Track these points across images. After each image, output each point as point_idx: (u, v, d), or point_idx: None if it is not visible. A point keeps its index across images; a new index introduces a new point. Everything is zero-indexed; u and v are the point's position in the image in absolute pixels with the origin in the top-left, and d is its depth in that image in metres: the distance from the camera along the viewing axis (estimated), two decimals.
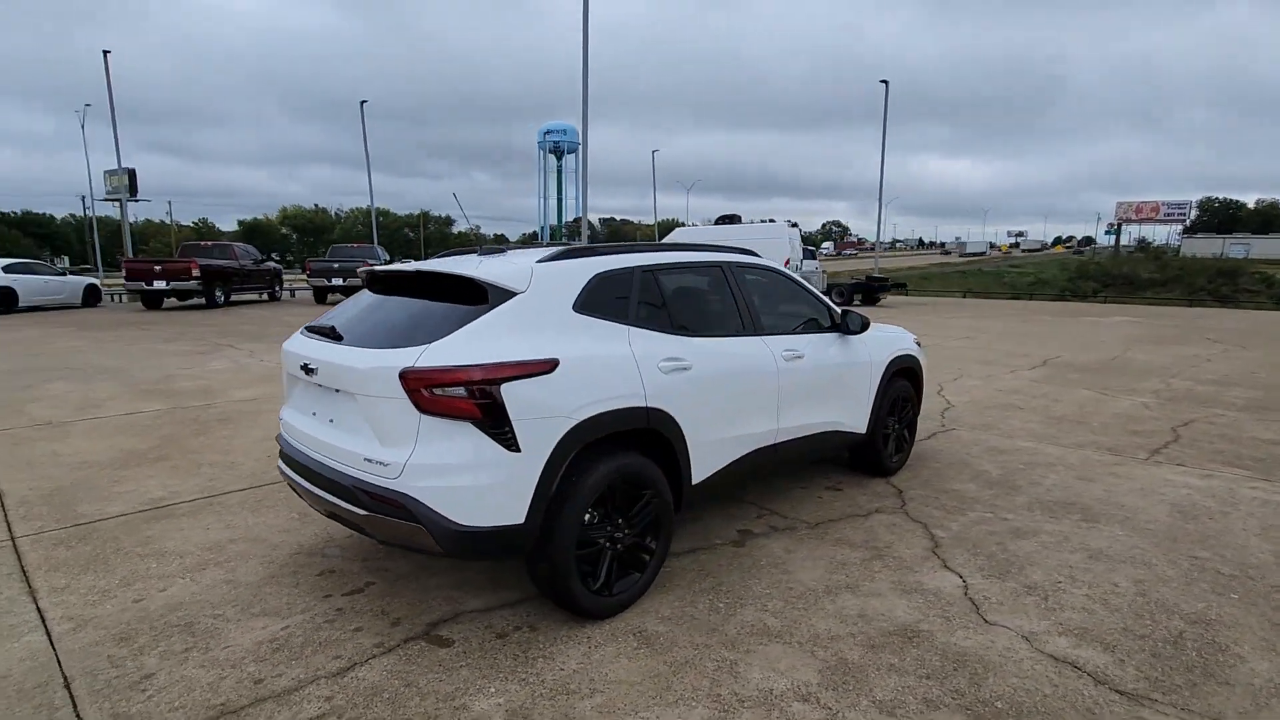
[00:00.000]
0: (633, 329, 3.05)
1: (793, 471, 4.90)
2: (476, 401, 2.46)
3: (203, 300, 19.00)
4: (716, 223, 20.39)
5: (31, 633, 2.79)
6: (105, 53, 24.72)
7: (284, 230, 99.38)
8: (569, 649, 2.69)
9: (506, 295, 2.75)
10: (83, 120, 43.77)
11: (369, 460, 2.56)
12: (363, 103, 30.41)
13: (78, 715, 2.28)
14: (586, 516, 2.82)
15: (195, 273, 18.16)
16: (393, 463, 2.50)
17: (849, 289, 22.92)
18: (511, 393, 2.52)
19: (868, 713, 2.32)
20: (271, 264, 24.04)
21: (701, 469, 3.29)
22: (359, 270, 20.28)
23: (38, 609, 2.98)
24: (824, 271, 19.85)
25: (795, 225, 19.35)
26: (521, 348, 2.62)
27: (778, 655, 2.66)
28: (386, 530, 2.58)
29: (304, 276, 22.52)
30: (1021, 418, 6.63)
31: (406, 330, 2.71)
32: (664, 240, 20.43)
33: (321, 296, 21.60)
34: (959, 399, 7.50)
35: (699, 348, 3.29)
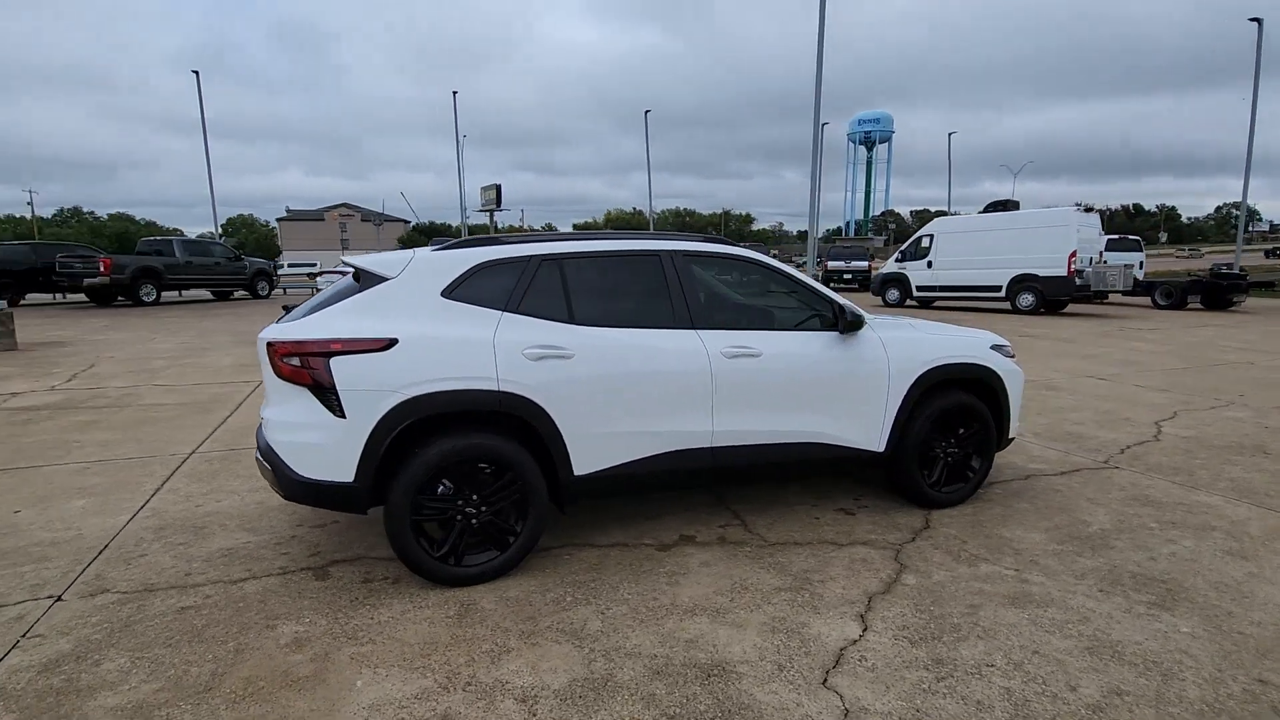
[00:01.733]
0: (507, 315, 3.14)
1: (811, 485, 4.37)
2: (309, 370, 2.85)
3: None
4: (984, 211, 17.82)
5: (124, 514, 3.97)
6: (454, 93, 30.75)
7: (608, 231, 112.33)
8: (397, 603, 2.94)
9: (377, 281, 3.09)
10: (460, 148, 55.34)
11: (261, 417, 3.13)
12: (646, 112, 33.15)
13: (82, 568, 3.26)
14: (440, 488, 3.04)
15: None
16: (265, 419, 3.02)
17: (1181, 288, 18.07)
18: (340, 365, 2.85)
19: None
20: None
21: (591, 461, 3.22)
22: None
23: (147, 501, 4.20)
24: (1128, 267, 16.00)
25: (1090, 210, 15.98)
26: (366, 326, 2.93)
27: (554, 655, 2.57)
28: (264, 475, 3.12)
29: None
30: (1249, 465, 4.81)
31: (308, 310, 3.21)
32: (923, 229, 18.52)
33: None
34: (1181, 432, 5.68)
35: (592, 337, 3.22)
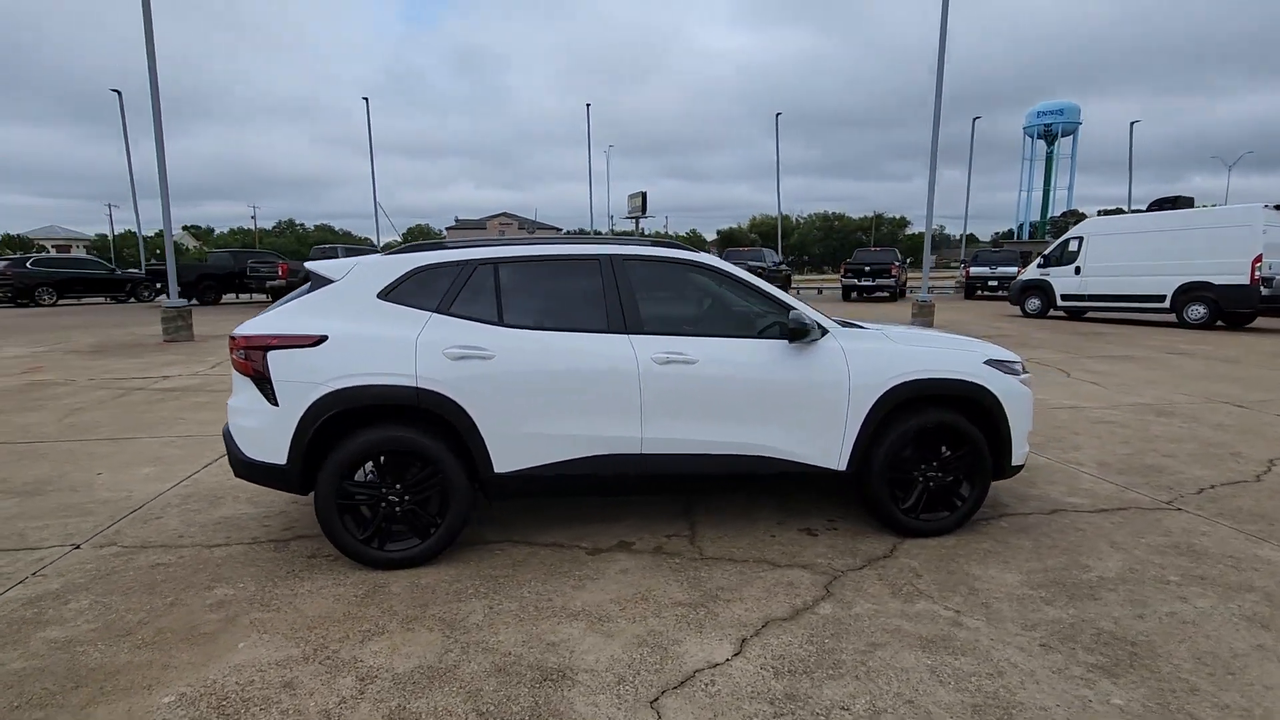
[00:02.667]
0: (435, 316, 3.30)
1: (789, 502, 4.13)
2: (250, 362, 3.19)
3: None
4: (1150, 208, 15.61)
5: (171, 482, 4.62)
6: (587, 105, 31.85)
7: (752, 236, 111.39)
8: (321, 579, 3.20)
9: (324, 283, 3.38)
10: (608, 157, 57.60)
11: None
12: (777, 115, 32.40)
13: (110, 524, 3.86)
14: (365, 476, 3.27)
15: None
16: (228, 405, 3.42)
17: None
18: (275, 358, 3.16)
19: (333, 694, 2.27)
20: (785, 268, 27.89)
21: (513, 459, 3.31)
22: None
23: (194, 473, 4.86)
24: None
25: None
26: (303, 324, 3.23)
27: (419, 642, 2.68)
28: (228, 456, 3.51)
29: None
30: None
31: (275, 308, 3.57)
32: (1071, 231, 16.61)
33: None
34: None
35: (514, 339, 3.31)
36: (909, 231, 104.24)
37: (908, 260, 31.13)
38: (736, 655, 2.59)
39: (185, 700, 2.32)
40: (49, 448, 5.44)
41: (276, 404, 3.17)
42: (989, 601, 2.99)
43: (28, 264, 22.72)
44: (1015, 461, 3.75)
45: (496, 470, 3.31)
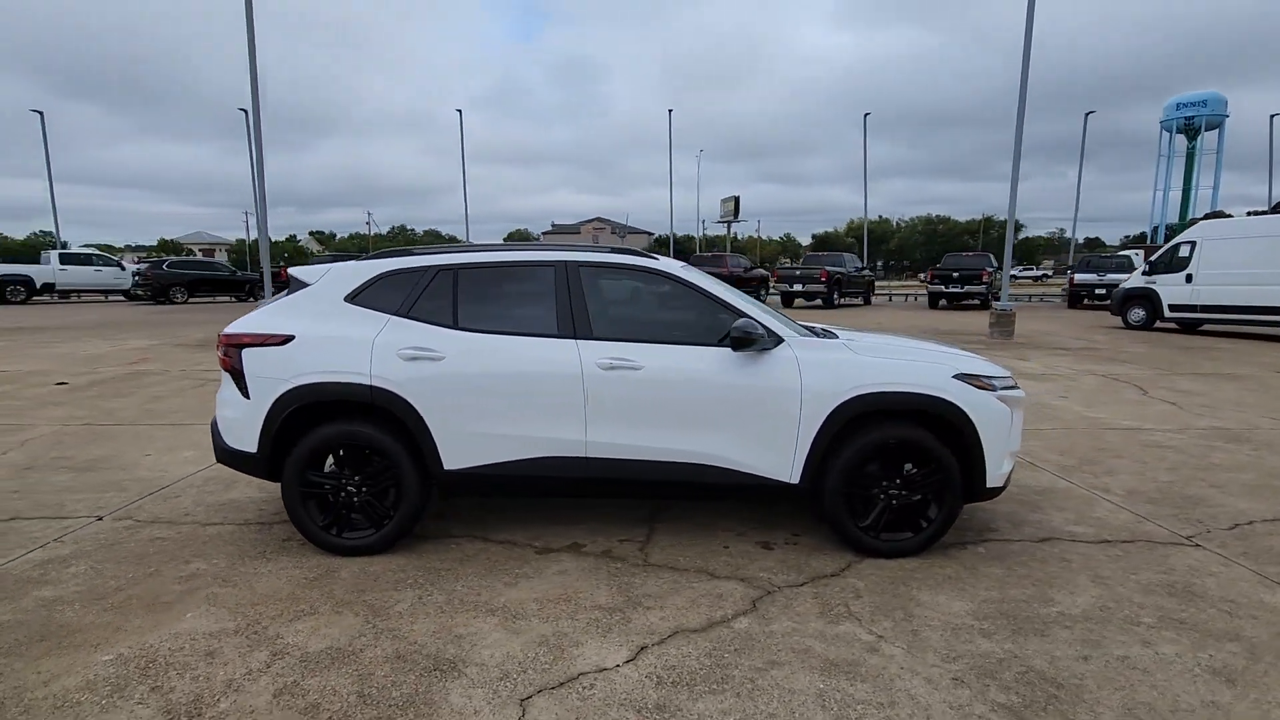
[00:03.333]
0: (394, 319, 3.49)
1: (762, 513, 4.04)
2: (229, 358, 3.49)
3: None
4: (1273, 210, 13.99)
5: (202, 465, 5.09)
6: (669, 111, 32.04)
7: (849, 240, 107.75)
8: (284, 560, 3.45)
9: (300, 286, 3.64)
10: (699, 161, 58.00)
11: None
12: (866, 115, 31.21)
13: (135, 500, 4.30)
14: (326, 465, 3.50)
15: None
16: (217, 397, 3.74)
17: None
18: (249, 355, 3.44)
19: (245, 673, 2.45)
20: (761, 271, 27.28)
21: (461, 457, 3.44)
22: (818, 275, 21.45)
23: None
24: None
25: None
26: (276, 324, 3.49)
27: (341, 624, 2.85)
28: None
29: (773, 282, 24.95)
30: None
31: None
32: (1182, 235, 15.16)
33: (788, 300, 23.59)
34: None
35: (465, 342, 3.44)
36: (1023, 235, 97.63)
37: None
38: (628, 662, 2.59)
39: (120, 660, 2.59)
40: (121, 430, 6.12)
41: (248, 397, 3.45)
42: (920, 629, 2.83)
43: (164, 266, 25.43)
44: (991, 483, 3.51)
45: (446, 467, 3.45)
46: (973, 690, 2.42)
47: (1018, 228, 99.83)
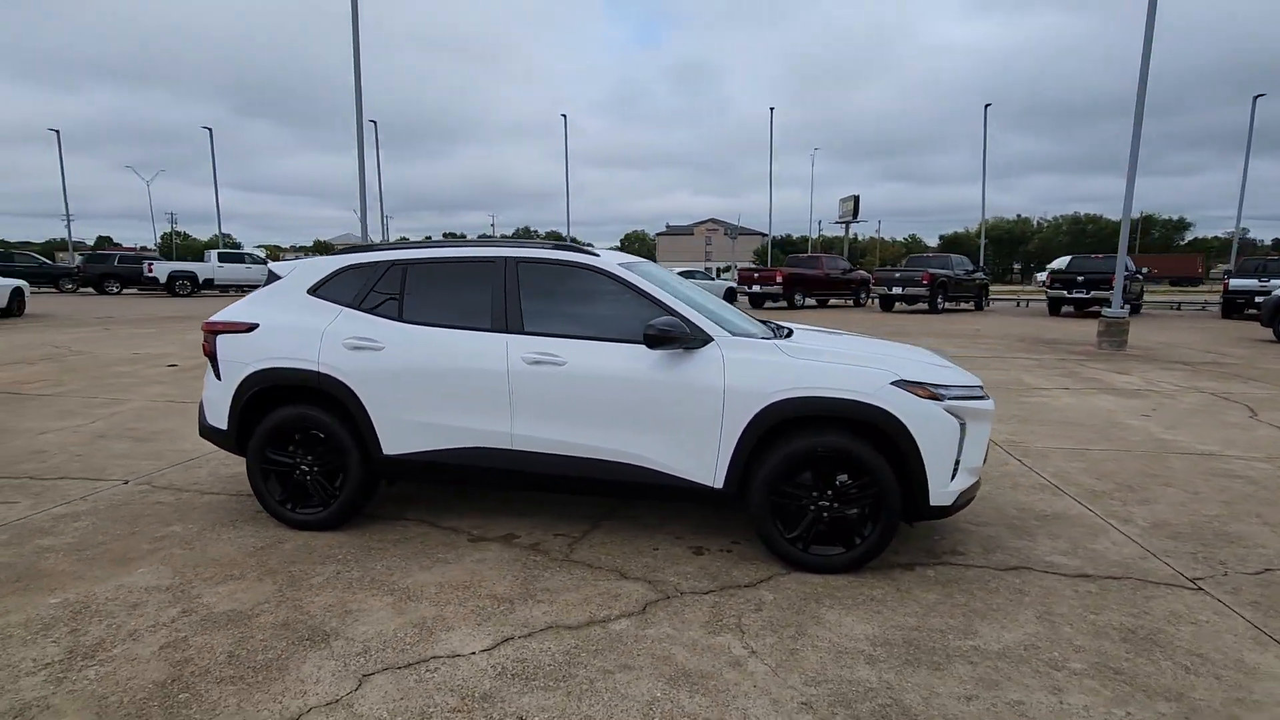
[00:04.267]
0: (345, 310, 3.70)
1: (717, 518, 3.91)
2: (207, 343, 3.85)
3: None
4: None
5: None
6: (771, 109, 31.32)
7: (980, 241, 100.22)
8: (247, 529, 3.76)
9: (275, 279, 3.95)
10: (813, 160, 56.55)
11: None
12: (986, 106, 28.91)
13: (161, 469, 4.84)
14: (288, 446, 3.78)
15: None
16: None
17: None
18: (221, 341, 3.78)
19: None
20: (862, 273, 26.08)
21: (398, 443, 3.60)
22: (919, 278, 20.34)
23: None
24: None
25: None
26: (247, 313, 3.82)
27: (253, 590, 3.08)
28: None
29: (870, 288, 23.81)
30: None
31: None
32: None
33: (887, 305, 22.45)
34: None
35: (403, 333, 3.59)
36: (1192, 235, 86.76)
37: (1145, 271, 26.16)
38: (485, 650, 2.63)
39: (63, 604, 2.95)
40: (193, 408, 6.87)
41: (220, 379, 3.80)
42: (802, 649, 2.65)
43: None
44: (936, 501, 3.22)
45: (385, 452, 3.63)
46: (815, 717, 2.25)
47: (1184, 226, 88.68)
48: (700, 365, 3.33)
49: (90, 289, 29.06)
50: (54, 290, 29.13)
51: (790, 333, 3.91)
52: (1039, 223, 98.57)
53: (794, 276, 22.63)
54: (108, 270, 28.79)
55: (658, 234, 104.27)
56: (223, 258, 28.94)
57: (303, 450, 3.75)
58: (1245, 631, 2.81)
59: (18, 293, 16.62)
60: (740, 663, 2.56)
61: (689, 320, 3.38)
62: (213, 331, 3.84)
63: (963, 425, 3.24)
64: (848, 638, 2.74)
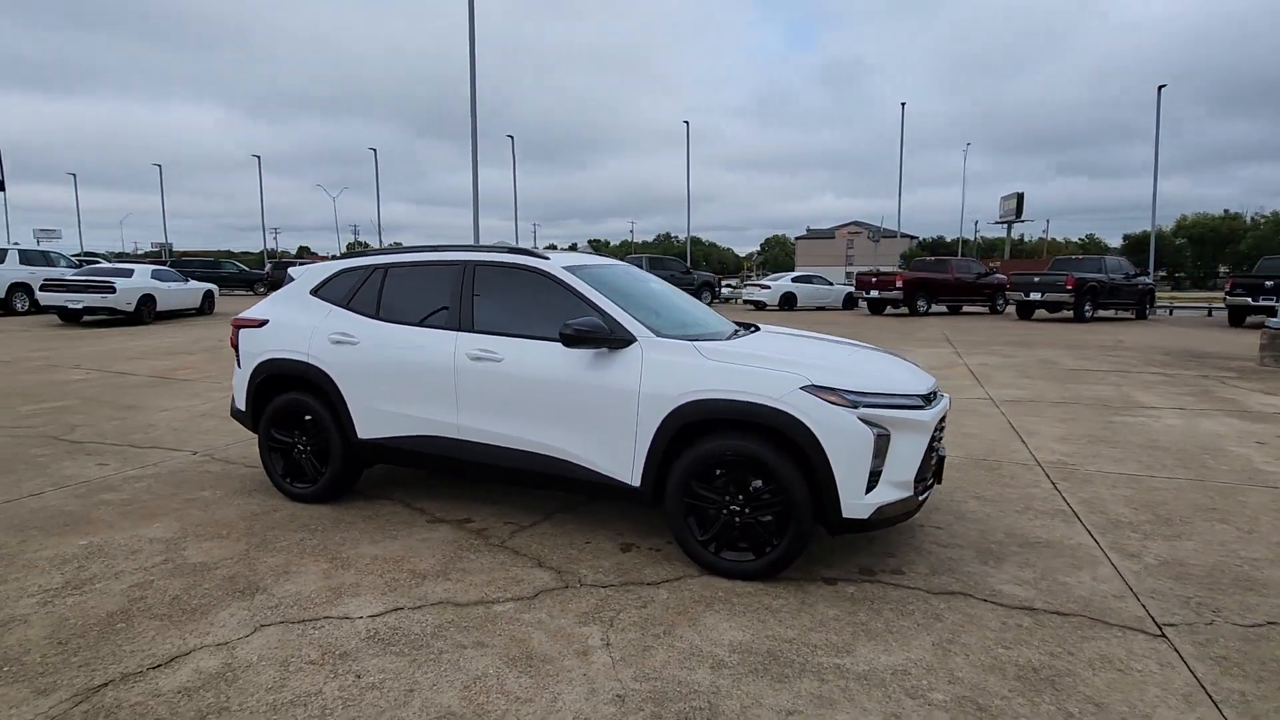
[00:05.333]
0: (336, 309, 4.15)
1: (658, 519, 3.94)
2: (233, 336, 4.46)
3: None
4: None
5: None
6: (903, 104, 29.59)
7: (1178, 241, 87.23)
8: (256, 499, 4.31)
9: (290, 281, 4.50)
10: (965, 155, 52.85)
11: None
12: (1160, 88, 25.28)
13: (220, 445, 5.63)
14: (291, 427, 4.30)
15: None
16: None
17: None
18: (242, 334, 4.37)
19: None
20: (1000, 277, 23.89)
21: (370, 428, 3.99)
22: (1062, 282, 18.51)
23: None
24: None
25: None
26: (264, 311, 4.39)
27: (221, 547, 3.57)
28: None
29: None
30: None
31: None
32: None
33: (1025, 312, 20.49)
34: None
35: (373, 330, 3.98)
36: None
37: None
38: (372, 616, 2.89)
39: (86, 546, 3.59)
40: None
41: (240, 367, 4.40)
42: (656, 647, 2.67)
43: None
44: (850, 514, 3.07)
45: (359, 436, 4.04)
46: (620, 709, 2.28)
47: None
48: (621, 366, 3.41)
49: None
50: (249, 293, 33.95)
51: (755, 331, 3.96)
52: (1253, 219, 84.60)
53: (917, 281, 21.29)
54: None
55: (797, 238, 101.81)
56: None
57: (298, 431, 4.26)
58: (1181, 687, 2.44)
59: (209, 295, 19.68)
60: (588, 653, 2.63)
61: (615, 321, 3.47)
62: (237, 326, 4.47)
63: (883, 435, 3.06)
64: (711, 642, 2.71)
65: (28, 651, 2.62)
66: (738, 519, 3.22)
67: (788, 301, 24.54)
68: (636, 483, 3.39)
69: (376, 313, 4.08)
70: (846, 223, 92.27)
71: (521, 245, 4.22)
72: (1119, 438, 6.10)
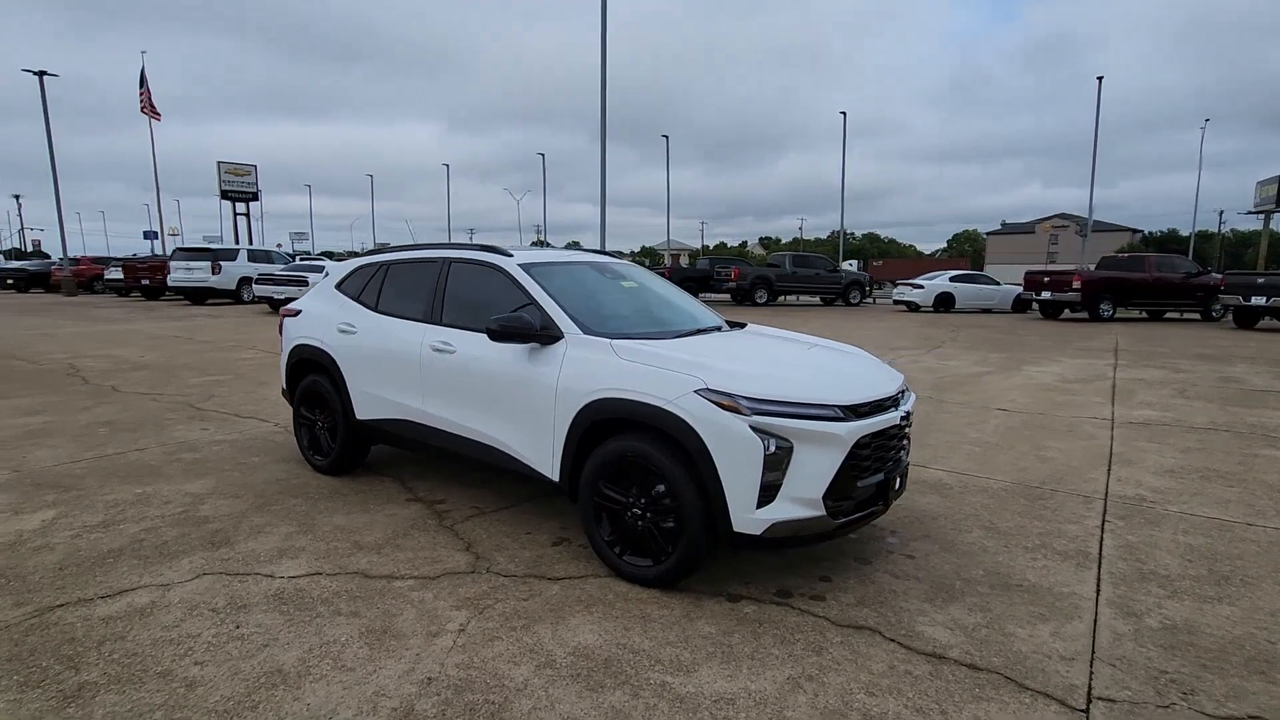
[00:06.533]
0: (349, 301, 4.60)
1: None
2: (280, 324, 5.10)
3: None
4: None
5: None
6: (1099, 79, 25.83)
7: None
8: (286, 466, 4.92)
9: (324, 275, 5.04)
10: (1203, 133, 45.54)
11: None
12: None
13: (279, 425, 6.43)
14: (313, 406, 4.85)
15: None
16: None
17: None
18: (285, 322, 4.98)
19: None
20: (1216, 277, 19.88)
21: (364, 409, 4.39)
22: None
23: None
24: None
25: None
26: (301, 303, 4.97)
27: (225, 499, 4.13)
28: None
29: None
30: None
31: None
32: None
33: (1246, 319, 17.11)
34: None
35: (368, 321, 4.35)
36: None
37: None
38: (292, 577, 3.22)
39: (139, 494, 4.33)
40: None
41: (281, 351, 5.03)
42: (503, 637, 2.70)
43: None
44: (740, 527, 2.87)
45: (357, 416, 4.45)
46: (419, 691, 2.36)
47: None
48: (546, 361, 3.45)
49: None
50: None
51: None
52: None
53: (1100, 281, 18.53)
54: None
55: (989, 233, 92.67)
56: None
57: (318, 410, 4.78)
58: None
59: None
60: (438, 635, 2.73)
61: (549, 317, 3.51)
62: (283, 315, 5.11)
63: (783, 446, 2.82)
64: (559, 642, 2.69)
65: (34, 571, 3.25)
66: (640, 523, 3.14)
67: (944, 303, 22.51)
68: (555, 477, 3.42)
69: (375, 305, 4.47)
70: (1049, 215, 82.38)
71: (549, 240, 4.43)
72: (1250, 475, 4.98)
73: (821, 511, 2.91)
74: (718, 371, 3.01)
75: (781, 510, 2.85)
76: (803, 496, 2.87)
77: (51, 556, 3.42)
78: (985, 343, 13.61)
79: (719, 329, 4.09)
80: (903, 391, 3.47)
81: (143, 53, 35.28)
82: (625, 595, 3.08)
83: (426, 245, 4.60)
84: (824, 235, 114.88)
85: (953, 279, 23.15)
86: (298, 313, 4.96)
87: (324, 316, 4.71)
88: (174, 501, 4.20)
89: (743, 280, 24.27)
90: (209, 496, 4.30)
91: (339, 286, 4.82)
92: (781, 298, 26.70)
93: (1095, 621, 2.89)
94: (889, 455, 3.21)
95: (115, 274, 27.97)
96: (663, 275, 22.57)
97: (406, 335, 4.14)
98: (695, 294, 26.44)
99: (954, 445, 5.73)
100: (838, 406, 2.95)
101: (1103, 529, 3.94)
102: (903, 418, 3.25)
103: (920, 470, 5.00)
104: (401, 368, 4.13)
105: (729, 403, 2.87)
